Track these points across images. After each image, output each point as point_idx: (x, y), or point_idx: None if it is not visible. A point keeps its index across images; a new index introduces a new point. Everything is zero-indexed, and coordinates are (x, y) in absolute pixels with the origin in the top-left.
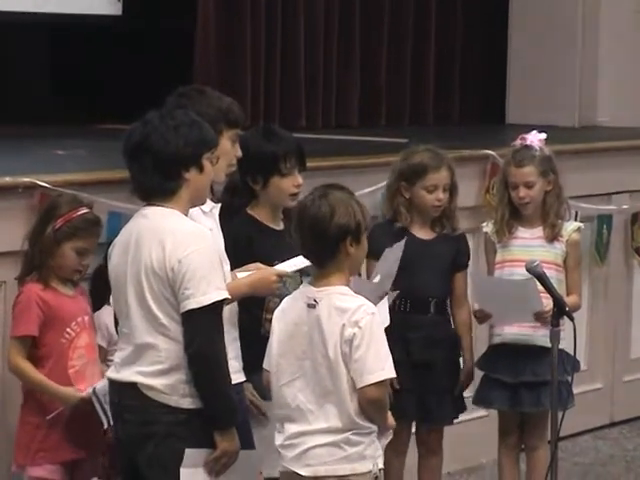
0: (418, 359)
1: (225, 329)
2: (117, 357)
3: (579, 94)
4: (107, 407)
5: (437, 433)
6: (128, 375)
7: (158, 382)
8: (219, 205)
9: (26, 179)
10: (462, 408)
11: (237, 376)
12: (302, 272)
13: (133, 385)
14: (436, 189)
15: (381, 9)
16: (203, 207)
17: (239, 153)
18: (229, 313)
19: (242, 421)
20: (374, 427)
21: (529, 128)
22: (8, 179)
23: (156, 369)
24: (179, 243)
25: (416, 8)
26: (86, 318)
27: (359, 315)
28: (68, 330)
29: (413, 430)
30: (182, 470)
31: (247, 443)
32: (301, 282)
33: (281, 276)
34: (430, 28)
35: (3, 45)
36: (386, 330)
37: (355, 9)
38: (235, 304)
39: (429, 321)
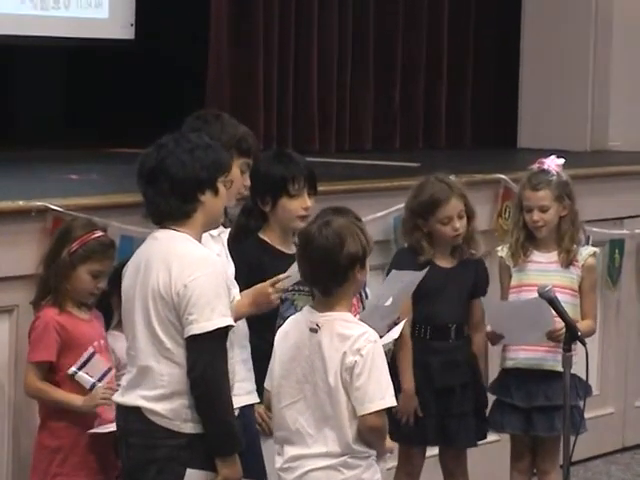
0: (439, 384)
1: (236, 352)
2: (124, 380)
3: (591, 118)
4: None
5: (460, 457)
6: (132, 399)
7: (161, 406)
8: (228, 230)
9: (39, 203)
10: (485, 431)
11: (249, 397)
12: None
13: (137, 409)
14: (451, 220)
15: (394, 32)
16: (211, 231)
17: (247, 183)
18: (239, 335)
19: (251, 444)
20: (372, 452)
21: (541, 152)
22: (21, 203)
23: (159, 393)
24: (186, 268)
25: (428, 31)
26: (102, 342)
27: (361, 343)
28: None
29: (429, 454)
30: None
31: (256, 468)
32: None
33: (275, 284)
34: (442, 53)
35: (16, 69)
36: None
37: (369, 34)
38: (245, 326)
39: (450, 346)
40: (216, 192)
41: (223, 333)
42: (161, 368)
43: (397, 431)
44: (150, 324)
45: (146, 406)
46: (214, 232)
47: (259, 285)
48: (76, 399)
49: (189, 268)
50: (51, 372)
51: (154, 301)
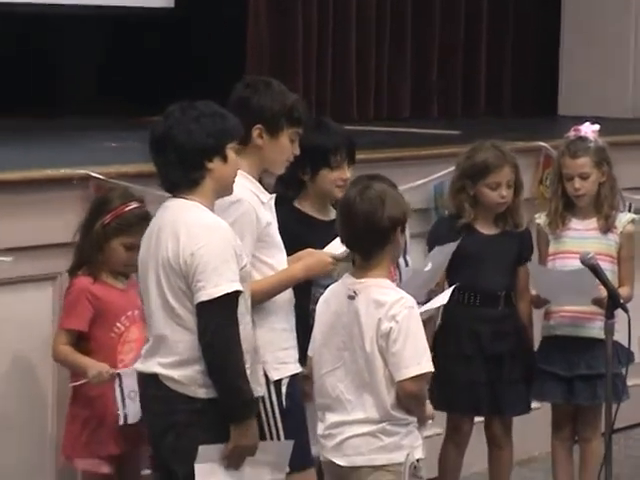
0: (489, 351)
1: (283, 318)
2: (143, 349)
3: (632, 85)
4: (127, 396)
5: (507, 426)
6: (150, 366)
7: (176, 373)
8: (274, 196)
9: (80, 171)
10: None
11: (296, 366)
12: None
13: (155, 376)
14: (499, 186)
15: None
16: (262, 198)
17: (297, 151)
18: (285, 302)
19: (296, 412)
20: (412, 418)
21: (581, 120)
22: (63, 171)
23: (174, 360)
24: (193, 235)
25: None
26: (136, 312)
27: (396, 309)
28: (118, 324)
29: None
30: (196, 466)
31: (299, 437)
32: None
33: (336, 259)
34: (481, 20)
35: (55, 38)
36: (455, 324)
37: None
38: (291, 294)
39: (498, 314)
40: (225, 159)
41: (232, 299)
42: (175, 335)
43: (447, 400)
44: (162, 292)
45: (163, 373)
46: (264, 198)
47: (318, 253)
48: (90, 368)
49: (196, 236)
50: (83, 340)
51: (165, 270)
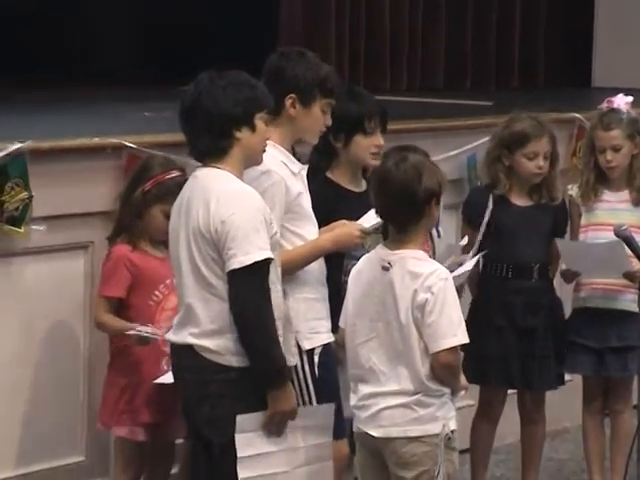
0: (521, 324)
1: (315, 288)
2: (175, 319)
3: None
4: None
5: (539, 401)
6: (183, 337)
7: (209, 342)
8: (306, 166)
9: (114, 140)
10: (563, 375)
11: (328, 335)
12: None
13: (188, 347)
14: (536, 157)
15: None
16: (292, 168)
17: (329, 122)
18: (318, 273)
19: (329, 382)
20: (446, 390)
21: (615, 91)
22: (97, 140)
23: (207, 329)
24: (223, 203)
25: None
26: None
27: (432, 280)
28: (156, 292)
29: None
30: (237, 436)
31: (333, 404)
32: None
33: (364, 232)
34: None
35: (89, 7)
36: (488, 296)
37: None
38: (323, 264)
39: (532, 286)
40: (253, 129)
41: (263, 266)
42: (207, 304)
43: (479, 373)
44: (194, 261)
45: (196, 342)
46: (295, 169)
47: (347, 225)
48: (126, 324)
49: (226, 204)
50: (123, 308)
51: (195, 238)
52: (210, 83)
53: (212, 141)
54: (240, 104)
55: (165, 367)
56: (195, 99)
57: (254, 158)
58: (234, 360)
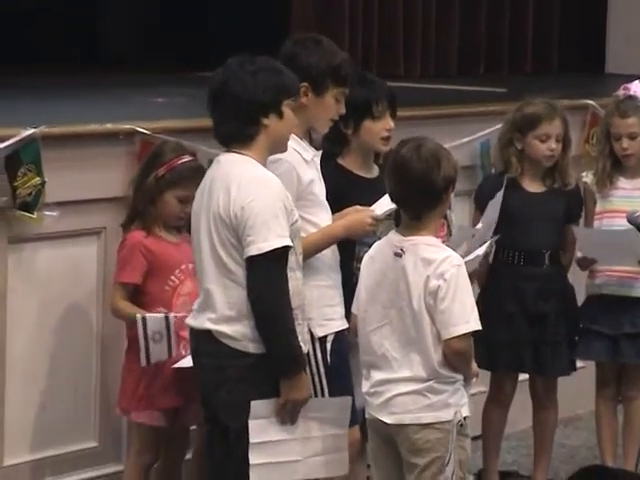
0: (533, 311)
1: (328, 275)
2: (195, 304)
3: None
4: (150, 338)
5: (551, 387)
6: (201, 322)
7: (228, 328)
8: (320, 153)
9: (127, 126)
10: (575, 361)
11: (342, 322)
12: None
13: (208, 332)
14: (548, 139)
15: None
16: (305, 156)
17: (342, 111)
18: (331, 260)
19: (342, 368)
20: (458, 376)
21: (629, 78)
22: (109, 126)
23: (225, 315)
24: (243, 189)
25: None
26: (190, 266)
27: (444, 267)
28: (172, 277)
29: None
30: (250, 422)
31: (344, 393)
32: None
33: (376, 219)
34: None
35: None
36: (499, 283)
37: None
38: (336, 251)
39: (543, 273)
40: (281, 116)
41: (281, 253)
42: (226, 290)
43: (490, 359)
44: (214, 247)
45: (214, 328)
46: (307, 156)
47: (359, 212)
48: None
49: (247, 190)
50: (139, 294)
51: (215, 223)
52: (239, 68)
53: (239, 127)
54: (269, 90)
55: (183, 352)
56: (223, 82)
57: (280, 145)
58: (251, 346)
